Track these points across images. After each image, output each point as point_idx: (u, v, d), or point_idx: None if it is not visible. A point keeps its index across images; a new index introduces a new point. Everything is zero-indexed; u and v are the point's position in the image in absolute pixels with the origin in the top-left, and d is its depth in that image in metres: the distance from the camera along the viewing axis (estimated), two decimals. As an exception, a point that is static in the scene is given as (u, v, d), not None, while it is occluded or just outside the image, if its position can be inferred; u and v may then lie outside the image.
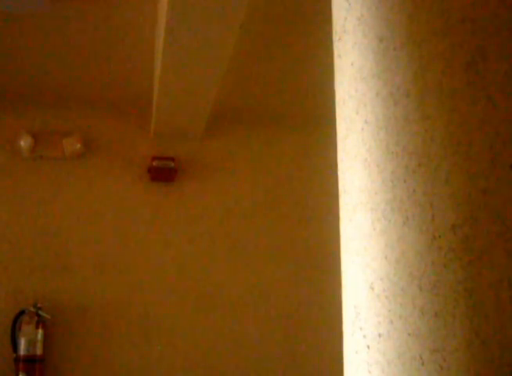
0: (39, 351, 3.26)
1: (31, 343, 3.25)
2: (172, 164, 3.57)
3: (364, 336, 0.73)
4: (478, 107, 0.67)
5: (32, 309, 3.31)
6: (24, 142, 3.52)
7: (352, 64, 0.80)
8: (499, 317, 0.63)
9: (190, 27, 2.36)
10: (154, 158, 3.55)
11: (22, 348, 3.25)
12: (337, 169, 0.88)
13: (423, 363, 0.65)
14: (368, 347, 0.72)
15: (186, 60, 2.64)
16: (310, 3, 2.58)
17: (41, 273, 3.45)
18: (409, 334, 0.67)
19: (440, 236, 0.66)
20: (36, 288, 3.42)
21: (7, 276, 3.43)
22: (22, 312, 3.33)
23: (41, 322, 3.30)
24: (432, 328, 0.65)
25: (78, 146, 3.59)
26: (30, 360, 3.23)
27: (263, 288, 3.58)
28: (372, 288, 0.72)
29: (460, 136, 0.67)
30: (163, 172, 3.56)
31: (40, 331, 3.28)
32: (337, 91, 0.86)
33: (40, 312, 3.31)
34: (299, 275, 3.63)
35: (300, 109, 3.66)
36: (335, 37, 0.87)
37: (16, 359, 3.25)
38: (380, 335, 0.70)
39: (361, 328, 0.74)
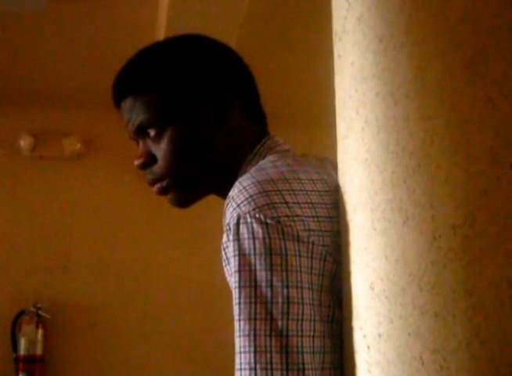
0: (39, 351, 3.26)
1: (31, 343, 3.25)
2: (172, 164, 3.57)
3: (364, 336, 0.73)
4: (478, 107, 0.67)
5: (32, 309, 3.31)
6: (24, 142, 3.52)
7: (352, 64, 0.80)
8: (499, 317, 0.63)
9: (190, 27, 2.36)
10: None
11: (22, 348, 3.25)
12: (337, 169, 0.88)
13: (423, 363, 0.65)
14: (368, 347, 0.72)
15: (186, 60, 2.63)
16: (310, 3, 2.58)
17: (41, 273, 3.45)
18: (409, 334, 0.67)
19: (440, 236, 0.66)
20: (36, 288, 3.42)
21: (7, 276, 3.42)
22: (22, 312, 3.33)
23: (41, 322, 3.30)
24: (432, 328, 0.65)
25: (78, 146, 3.59)
26: (30, 360, 3.23)
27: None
28: (372, 288, 0.72)
29: (460, 136, 0.67)
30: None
31: (40, 331, 3.28)
32: (337, 91, 0.86)
33: (40, 312, 3.31)
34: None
35: (300, 109, 3.66)
36: (335, 38, 0.87)
37: (16, 359, 3.25)
38: (380, 335, 0.70)
39: (361, 328, 0.74)
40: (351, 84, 0.80)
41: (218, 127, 1.02)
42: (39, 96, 3.54)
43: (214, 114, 1.02)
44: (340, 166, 0.86)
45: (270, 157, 0.96)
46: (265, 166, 0.90)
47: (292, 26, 2.82)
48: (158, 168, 1.04)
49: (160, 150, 1.02)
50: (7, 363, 3.26)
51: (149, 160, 1.05)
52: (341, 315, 0.82)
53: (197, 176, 1.04)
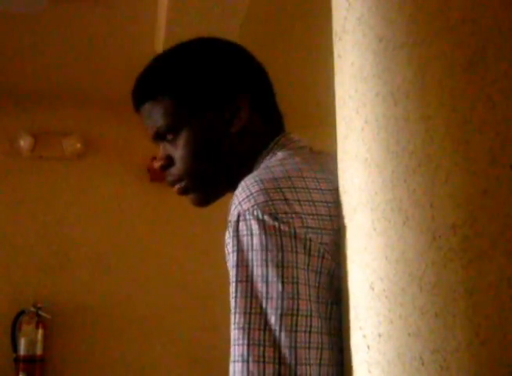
0: (39, 351, 3.26)
1: (31, 343, 3.25)
2: (172, 164, 3.57)
3: (364, 336, 0.73)
4: (478, 107, 0.67)
5: (32, 309, 3.31)
6: (24, 142, 3.52)
7: (352, 64, 0.80)
8: (499, 317, 0.63)
9: (190, 27, 2.36)
10: (154, 158, 3.54)
11: (22, 348, 3.25)
12: (337, 169, 0.88)
13: (423, 363, 0.65)
14: (368, 347, 0.72)
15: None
16: (310, 3, 2.58)
17: (41, 273, 3.45)
18: (409, 334, 0.67)
19: (440, 236, 0.66)
20: (36, 288, 3.42)
21: (7, 276, 3.42)
22: (22, 312, 3.33)
23: (41, 322, 3.30)
24: (432, 328, 0.65)
25: (78, 146, 3.59)
26: (30, 360, 3.23)
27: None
28: (372, 288, 0.72)
29: (460, 136, 0.67)
30: (162, 172, 3.55)
31: (40, 331, 3.28)
32: (337, 91, 0.86)
33: (40, 312, 3.31)
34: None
35: (300, 109, 3.65)
36: (335, 38, 0.87)
37: (16, 359, 3.25)
38: (380, 335, 0.70)
39: (361, 328, 0.74)
40: (351, 84, 0.80)
41: (230, 127, 1.05)
42: (39, 96, 3.54)
43: (224, 115, 1.05)
44: (340, 166, 0.86)
45: (279, 155, 0.98)
46: (272, 164, 0.92)
47: (292, 26, 2.82)
48: (176, 169, 1.09)
49: (177, 152, 1.07)
50: (7, 363, 3.26)
51: (168, 162, 1.09)
52: (340, 312, 0.82)
53: (213, 176, 1.08)
